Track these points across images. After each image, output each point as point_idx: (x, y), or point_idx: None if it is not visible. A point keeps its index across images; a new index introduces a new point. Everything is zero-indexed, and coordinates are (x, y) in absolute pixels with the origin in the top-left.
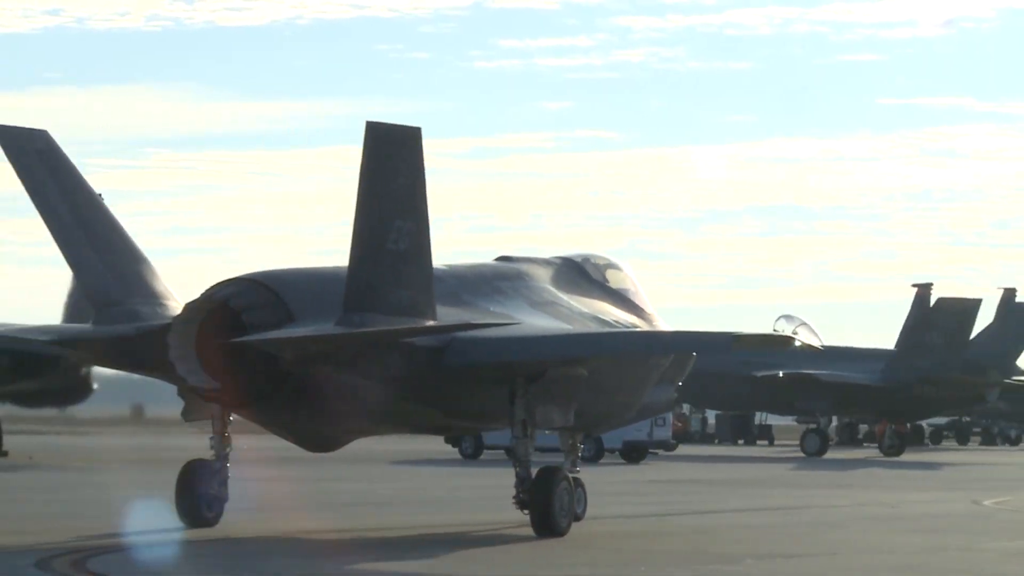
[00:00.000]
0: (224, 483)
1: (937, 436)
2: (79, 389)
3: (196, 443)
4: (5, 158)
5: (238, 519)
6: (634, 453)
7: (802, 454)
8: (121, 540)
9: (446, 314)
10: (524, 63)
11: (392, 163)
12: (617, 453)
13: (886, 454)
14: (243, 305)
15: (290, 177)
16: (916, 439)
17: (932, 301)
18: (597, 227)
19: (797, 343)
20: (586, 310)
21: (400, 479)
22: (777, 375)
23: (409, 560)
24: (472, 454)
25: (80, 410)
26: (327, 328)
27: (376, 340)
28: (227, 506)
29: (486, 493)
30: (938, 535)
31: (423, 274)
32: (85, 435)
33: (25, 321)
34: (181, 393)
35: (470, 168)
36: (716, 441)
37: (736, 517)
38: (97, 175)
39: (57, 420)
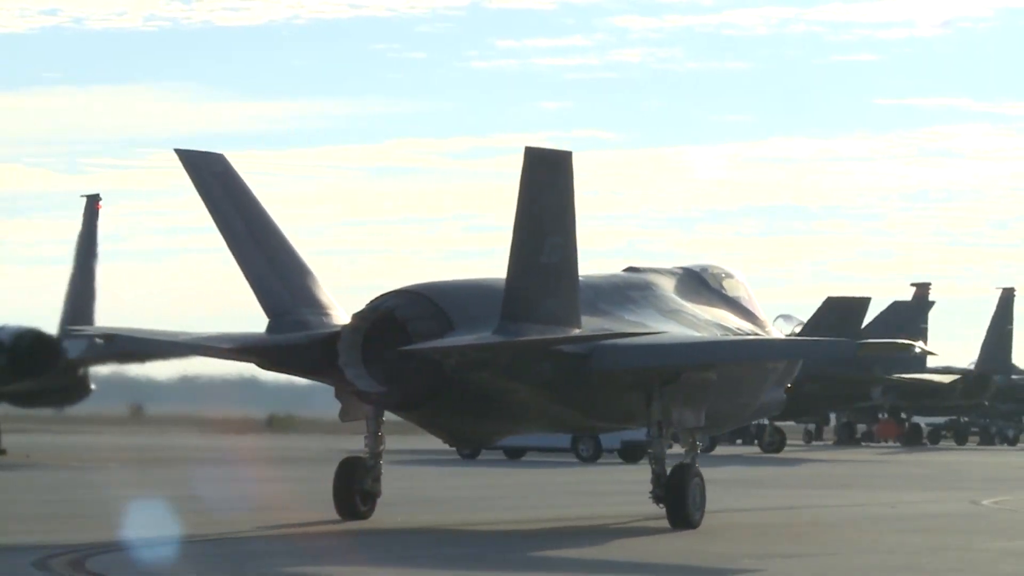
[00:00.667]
0: (377, 479)
1: (935, 436)
2: (77, 389)
3: (194, 443)
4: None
5: (241, 518)
6: (633, 453)
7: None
8: (120, 540)
9: (587, 323)
10: (521, 63)
11: (546, 184)
12: (616, 453)
13: (765, 451)
14: (408, 315)
15: (288, 177)
16: (915, 439)
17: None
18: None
19: (916, 348)
20: (709, 318)
21: (399, 479)
22: None
23: (409, 560)
24: (471, 454)
25: (78, 409)
26: (488, 337)
27: (531, 348)
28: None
29: (485, 493)
30: (937, 535)
31: (570, 286)
32: (83, 434)
33: (23, 322)
34: (338, 395)
35: (468, 168)
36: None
37: (735, 517)
38: (95, 175)
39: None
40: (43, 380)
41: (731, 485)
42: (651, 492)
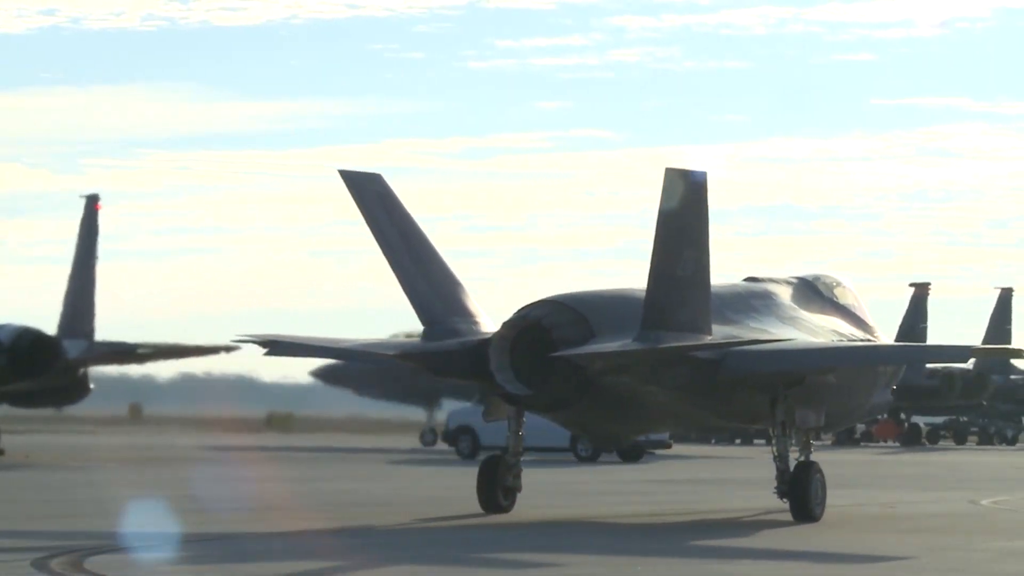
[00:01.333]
0: (518, 476)
1: (934, 436)
2: (77, 389)
3: (192, 442)
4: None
5: (239, 518)
6: (632, 452)
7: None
8: (119, 540)
9: (716, 331)
10: (519, 63)
11: (683, 202)
12: (615, 452)
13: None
14: (553, 323)
15: (286, 177)
16: (914, 439)
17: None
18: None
19: None
20: (825, 324)
21: (398, 478)
22: None
23: (407, 560)
24: (469, 454)
25: (78, 409)
26: (630, 344)
27: (670, 354)
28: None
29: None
30: (936, 535)
31: (703, 296)
32: (83, 434)
33: (22, 321)
34: (482, 397)
35: (465, 168)
36: (713, 441)
37: (733, 517)
38: (92, 175)
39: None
40: (43, 380)
41: (730, 485)
42: (775, 488)
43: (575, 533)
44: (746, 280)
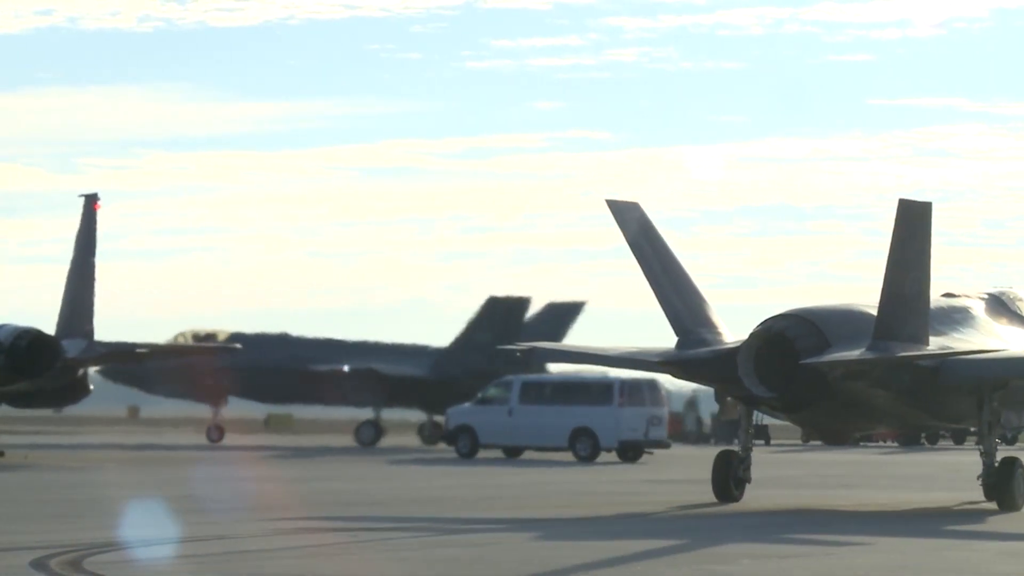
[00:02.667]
0: (748, 468)
1: (934, 436)
2: (76, 390)
3: (191, 441)
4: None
5: (238, 518)
6: (630, 452)
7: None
8: (118, 539)
9: (933, 341)
10: (516, 63)
11: (912, 229)
12: (614, 452)
13: (426, 443)
14: (795, 334)
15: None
16: (913, 438)
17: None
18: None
19: None
20: (1015, 335)
21: (396, 478)
22: (342, 368)
23: (407, 560)
24: (468, 453)
25: (77, 410)
26: (867, 353)
27: (899, 363)
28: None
29: (484, 493)
30: (936, 535)
31: (924, 312)
32: (82, 434)
33: (21, 321)
34: (718, 398)
35: (462, 168)
36: (712, 441)
37: (732, 517)
38: (90, 175)
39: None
40: (42, 380)
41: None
42: (981, 481)
43: (574, 533)
44: (943, 296)
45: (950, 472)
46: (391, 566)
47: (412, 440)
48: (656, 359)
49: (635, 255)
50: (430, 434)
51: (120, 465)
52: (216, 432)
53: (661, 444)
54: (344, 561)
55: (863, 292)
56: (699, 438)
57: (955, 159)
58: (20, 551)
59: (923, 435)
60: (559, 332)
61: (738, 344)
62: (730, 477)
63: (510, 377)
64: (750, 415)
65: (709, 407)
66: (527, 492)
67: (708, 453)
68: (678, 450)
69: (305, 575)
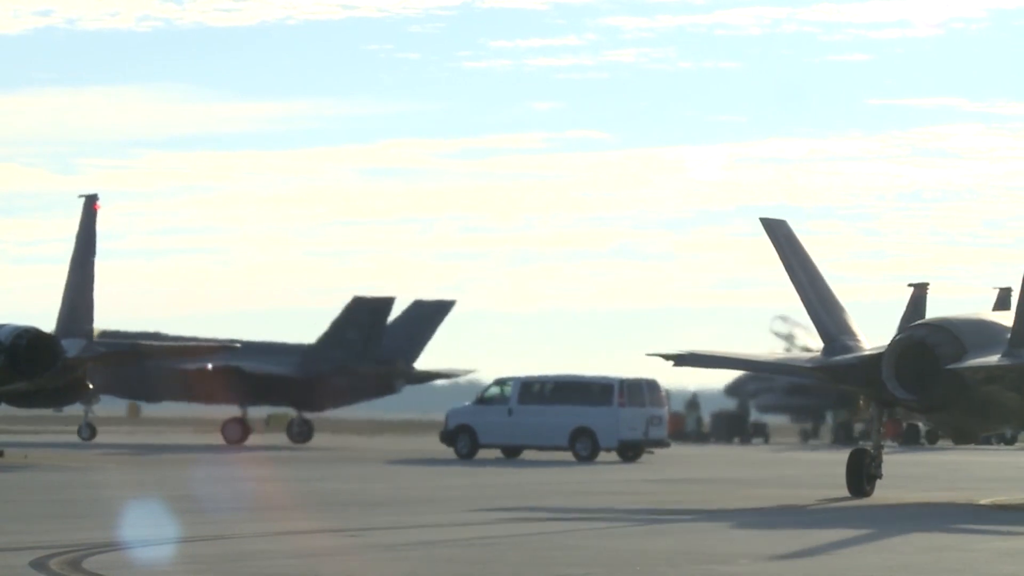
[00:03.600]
0: (879, 465)
1: (933, 435)
2: (76, 389)
3: (190, 441)
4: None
5: (238, 518)
6: (630, 452)
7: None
8: (118, 539)
9: None
10: (514, 63)
11: None
12: (614, 452)
13: (295, 441)
14: (935, 342)
15: (281, 177)
16: (912, 438)
17: (928, 299)
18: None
19: None
20: None
21: (396, 478)
22: (206, 366)
23: (407, 560)
24: (467, 453)
25: (77, 409)
26: (1005, 360)
27: None
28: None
29: (484, 492)
30: (936, 535)
31: None
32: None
33: (20, 321)
34: (860, 399)
35: (460, 168)
36: (712, 440)
37: (732, 516)
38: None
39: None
40: (42, 380)
41: (728, 485)
42: None
43: (574, 533)
44: None
45: (950, 472)
46: (391, 566)
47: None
48: (807, 365)
49: (785, 269)
50: (299, 431)
51: (120, 465)
52: (88, 431)
53: (661, 444)
54: (344, 561)
55: (863, 292)
56: (699, 437)
57: (954, 159)
58: (20, 551)
59: (923, 435)
60: (426, 330)
61: (880, 351)
62: (863, 473)
63: (510, 377)
64: (881, 416)
65: (710, 407)
66: (527, 492)
67: (708, 453)
68: (678, 450)
69: (305, 575)
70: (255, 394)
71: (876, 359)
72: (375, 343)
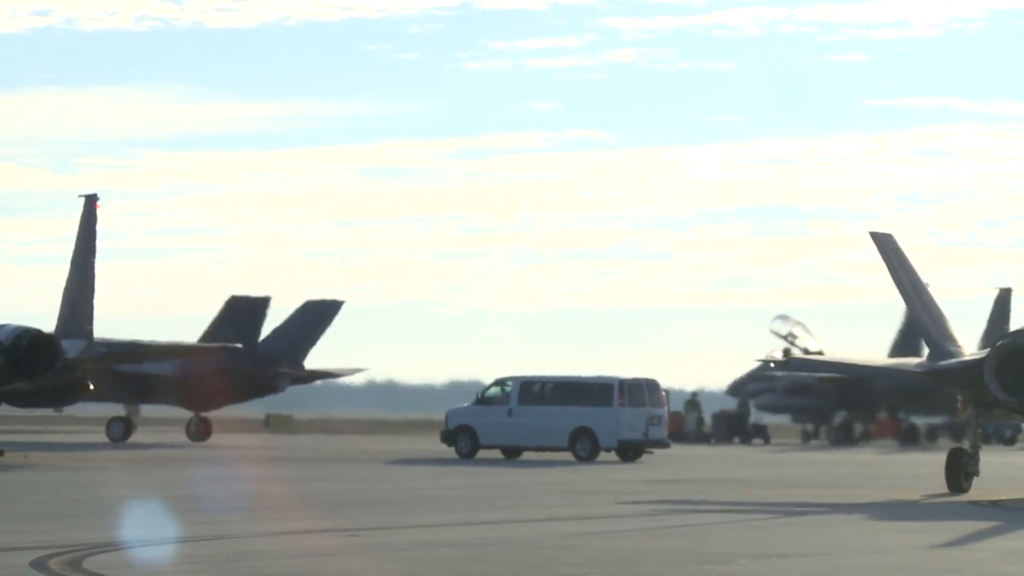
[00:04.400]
0: (976, 463)
1: (933, 435)
2: (76, 389)
3: (189, 442)
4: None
5: (238, 518)
6: (630, 452)
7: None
8: (118, 539)
9: None
10: (513, 63)
11: None
12: (614, 452)
13: (193, 439)
14: None
15: (280, 177)
16: (912, 438)
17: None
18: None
19: None
20: None
21: (396, 478)
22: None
23: (407, 560)
24: (468, 453)
25: (77, 409)
26: None
27: None
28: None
29: (484, 492)
30: (934, 534)
31: None
32: (82, 434)
33: (20, 321)
34: (959, 401)
35: (459, 168)
36: (712, 440)
37: (731, 516)
38: (88, 175)
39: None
40: (42, 380)
41: (729, 484)
42: None
43: (574, 533)
44: None
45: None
46: (391, 566)
47: (179, 437)
48: (917, 370)
49: (892, 280)
50: (197, 430)
51: (120, 465)
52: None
53: (661, 444)
54: (344, 561)
55: (863, 292)
56: (699, 438)
57: (952, 159)
58: (20, 551)
59: (923, 435)
60: (316, 330)
61: (983, 356)
62: (960, 471)
63: (510, 377)
64: (978, 416)
65: (710, 407)
66: (527, 492)
67: (708, 453)
68: (678, 450)
69: (305, 575)
70: (136, 394)
71: (979, 363)
72: (252, 342)
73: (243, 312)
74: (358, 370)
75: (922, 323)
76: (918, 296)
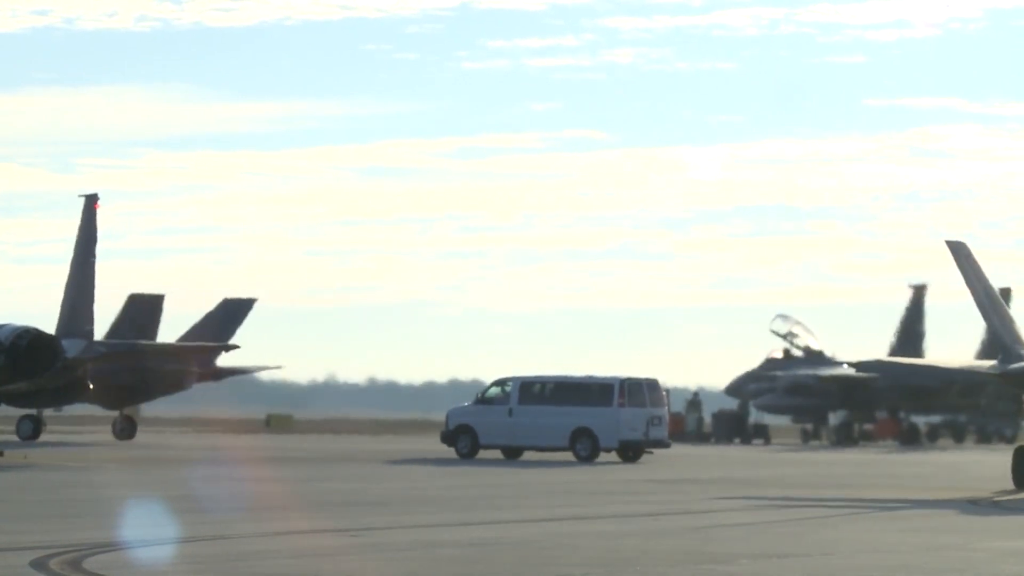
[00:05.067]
0: None
1: (933, 434)
2: (76, 389)
3: (189, 442)
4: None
5: (238, 518)
6: (630, 452)
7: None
8: (118, 540)
9: None
10: (512, 63)
11: None
12: (614, 452)
13: (118, 437)
14: None
15: (280, 177)
16: (912, 438)
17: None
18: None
19: None
20: None
21: (396, 478)
22: None
23: (407, 559)
24: (468, 453)
25: (76, 409)
26: None
27: None
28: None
29: (484, 492)
30: (934, 534)
31: None
32: (82, 434)
33: (21, 320)
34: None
35: (458, 168)
36: (712, 440)
37: (731, 516)
38: (88, 175)
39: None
40: (42, 380)
41: (729, 484)
42: None
43: (574, 533)
44: None
45: (950, 472)
46: (391, 566)
47: (105, 436)
48: (992, 371)
49: (967, 285)
50: (122, 428)
51: (120, 465)
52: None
53: (661, 444)
54: (344, 561)
55: (862, 292)
56: (700, 438)
57: (952, 159)
58: (20, 551)
59: (923, 434)
60: (230, 328)
61: None
62: None
63: (510, 377)
64: None
65: (710, 407)
66: (527, 492)
67: (708, 453)
68: (679, 450)
69: (305, 575)
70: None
71: None
72: (152, 338)
73: (141, 310)
74: (272, 367)
75: (994, 327)
76: (990, 301)
